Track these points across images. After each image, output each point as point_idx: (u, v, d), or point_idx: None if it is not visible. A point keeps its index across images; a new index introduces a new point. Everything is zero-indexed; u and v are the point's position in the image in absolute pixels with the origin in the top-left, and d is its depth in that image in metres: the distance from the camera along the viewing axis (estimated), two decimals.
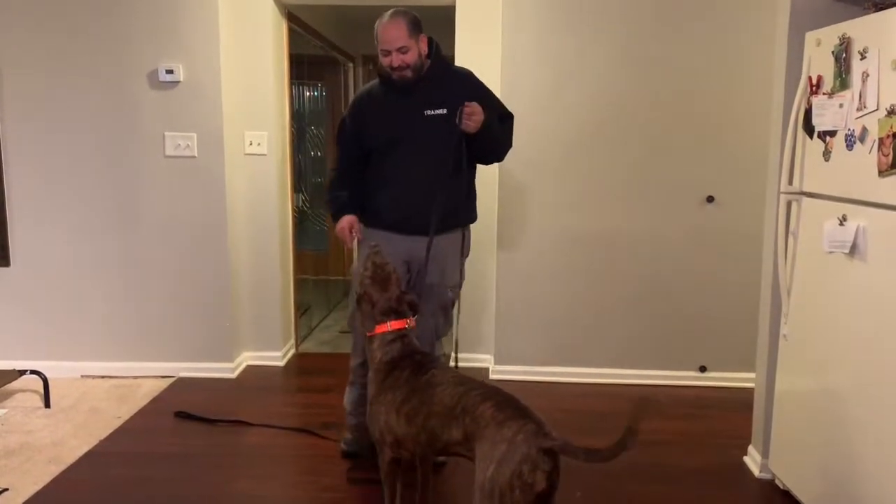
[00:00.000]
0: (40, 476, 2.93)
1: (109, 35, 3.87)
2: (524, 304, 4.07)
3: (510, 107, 3.17)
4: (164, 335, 4.11)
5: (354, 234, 2.96)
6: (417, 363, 2.33)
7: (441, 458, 2.86)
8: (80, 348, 4.11)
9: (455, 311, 3.17)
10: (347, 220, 2.98)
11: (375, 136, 2.96)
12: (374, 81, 3.03)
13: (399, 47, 2.78)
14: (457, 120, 2.79)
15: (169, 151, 3.95)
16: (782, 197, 2.70)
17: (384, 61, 2.85)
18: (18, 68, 3.91)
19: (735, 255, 3.90)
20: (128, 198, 4.01)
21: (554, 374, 4.09)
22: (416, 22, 2.83)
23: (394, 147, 2.92)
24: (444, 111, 2.85)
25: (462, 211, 3.02)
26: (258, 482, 2.92)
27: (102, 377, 4.09)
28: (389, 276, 2.43)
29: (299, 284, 4.84)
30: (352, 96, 6.72)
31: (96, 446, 3.22)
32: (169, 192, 3.99)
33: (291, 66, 4.53)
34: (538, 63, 3.90)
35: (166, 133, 3.94)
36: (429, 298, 2.94)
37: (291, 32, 4.50)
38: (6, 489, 2.82)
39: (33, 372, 3.70)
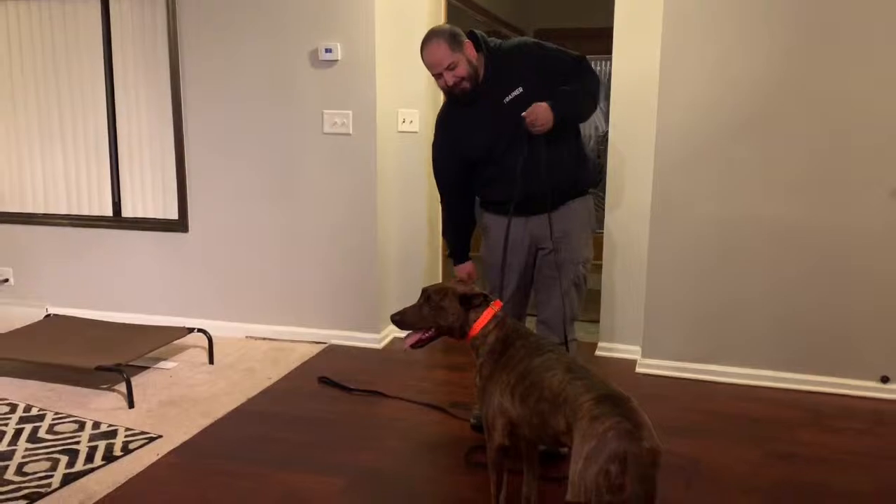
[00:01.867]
0: (192, 427, 3.19)
1: (275, 16, 4.07)
2: (677, 294, 3.79)
3: (670, 71, 2.92)
4: (318, 303, 4.32)
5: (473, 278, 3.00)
6: (533, 345, 2.27)
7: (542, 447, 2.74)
8: (246, 311, 4.42)
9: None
10: (465, 270, 3.08)
11: (474, 151, 2.92)
12: (445, 102, 3.03)
13: (447, 66, 2.75)
14: (523, 129, 2.73)
15: (327, 129, 4.11)
16: None
17: (439, 84, 2.84)
18: (196, 53, 4.23)
19: None
20: (289, 172, 4.22)
21: (706, 371, 3.78)
22: (454, 35, 2.78)
23: (493, 150, 2.88)
24: (521, 90, 2.79)
25: (576, 178, 2.93)
26: (381, 454, 2.98)
27: (264, 339, 4.38)
28: (445, 294, 2.38)
29: (449, 261, 4.86)
30: None
31: (244, 404, 3.45)
32: (326, 167, 4.16)
33: None
34: (704, 30, 3.56)
35: (324, 111, 4.09)
36: (562, 275, 2.88)
37: (452, 8, 4.49)
38: (160, 436, 3.09)
39: (200, 330, 4.03)
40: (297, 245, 4.28)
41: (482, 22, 5.37)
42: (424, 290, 2.44)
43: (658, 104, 3.68)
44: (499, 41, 2.95)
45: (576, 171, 2.93)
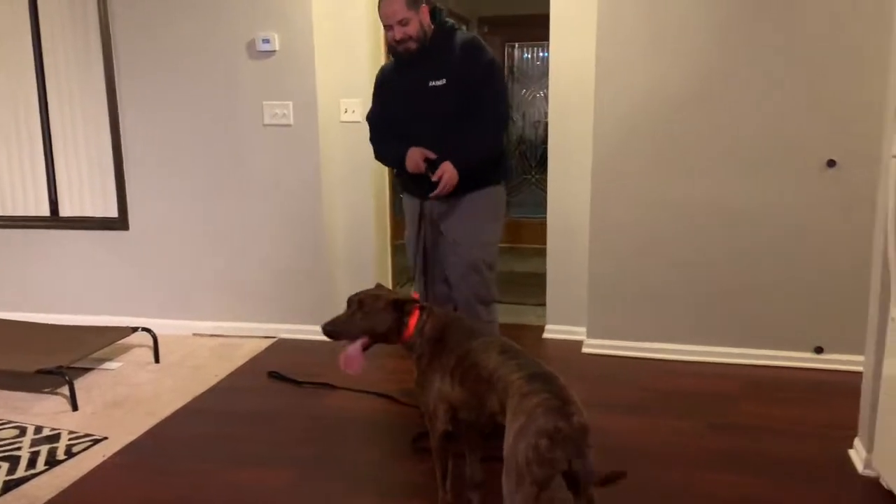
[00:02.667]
0: (137, 427, 3.15)
1: (210, 7, 4.00)
2: (620, 275, 3.87)
3: (606, 55, 3.11)
4: (266, 297, 4.28)
5: (428, 157, 2.94)
6: (468, 329, 2.33)
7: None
8: (191, 308, 4.36)
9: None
10: (414, 150, 2.93)
11: (394, 112, 3.05)
12: (386, 64, 3.15)
13: (399, 20, 2.82)
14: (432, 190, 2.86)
15: (267, 120, 4.06)
16: (893, 161, 2.37)
17: (388, 36, 2.92)
18: (130, 45, 4.14)
19: (858, 224, 3.49)
20: (231, 165, 4.17)
21: (651, 349, 3.87)
22: None
23: (409, 119, 2.99)
24: (444, 81, 2.88)
25: (480, 171, 2.96)
26: (330, 445, 2.98)
27: (211, 336, 4.33)
28: (378, 300, 2.38)
29: (398, 251, 4.87)
30: None
31: (191, 402, 3.41)
32: (268, 160, 4.12)
33: None
34: (638, 15, 3.62)
35: (264, 102, 4.04)
36: (455, 260, 3.01)
37: None
38: (106, 437, 3.05)
39: (144, 329, 3.96)
40: (242, 239, 4.23)
41: None
42: (353, 298, 2.41)
43: (595, 89, 3.73)
44: (455, 26, 3.02)
45: (483, 166, 2.98)
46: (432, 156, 2.92)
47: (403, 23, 2.83)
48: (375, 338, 2.41)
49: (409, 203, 3.13)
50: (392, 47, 2.95)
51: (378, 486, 2.71)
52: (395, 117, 3.05)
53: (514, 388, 1.94)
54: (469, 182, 2.91)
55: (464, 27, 6.47)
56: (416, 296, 2.50)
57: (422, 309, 2.39)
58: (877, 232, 2.64)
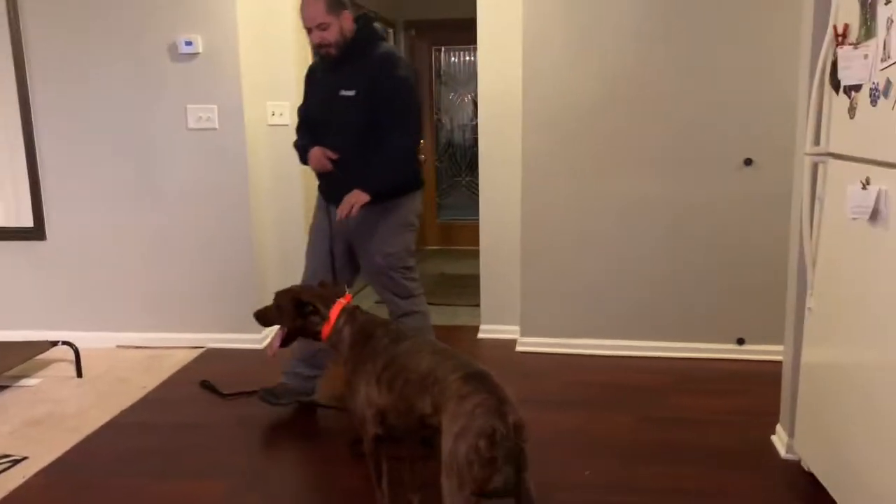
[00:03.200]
0: (60, 445, 3.02)
1: (128, 7, 3.88)
2: (551, 274, 3.94)
3: (532, 59, 3.27)
4: (194, 306, 4.17)
5: (328, 157, 2.97)
6: (394, 332, 2.31)
7: None
8: (115, 319, 4.21)
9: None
10: (316, 149, 2.97)
11: (312, 113, 3.06)
12: (315, 60, 3.15)
13: (318, 24, 2.80)
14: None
15: (191, 124, 3.96)
16: (807, 159, 2.48)
17: (309, 39, 2.90)
18: (44, 46, 3.97)
19: (776, 220, 3.64)
20: (154, 171, 4.05)
21: (582, 346, 3.95)
22: (338, 0, 2.84)
23: (321, 124, 2.99)
24: (354, 92, 2.86)
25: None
26: (262, 455, 2.94)
27: (136, 347, 4.19)
28: (286, 296, 2.47)
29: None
30: None
31: (117, 416, 3.29)
32: (193, 165, 4.01)
33: None
34: (563, 18, 3.70)
35: (188, 105, 3.94)
36: (364, 265, 3.08)
37: None
38: (26, 457, 2.91)
39: (65, 343, 3.80)
40: (168, 246, 4.11)
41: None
42: (277, 292, 2.51)
43: (522, 92, 3.79)
44: (381, 37, 3.00)
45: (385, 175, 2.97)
46: (332, 155, 2.93)
47: (322, 27, 2.81)
48: (294, 332, 2.46)
49: (321, 204, 3.14)
50: (314, 49, 2.94)
51: (315, 493, 2.67)
52: (313, 117, 3.05)
53: (452, 389, 1.94)
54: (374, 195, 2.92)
55: (391, 33, 6.48)
56: (348, 297, 2.47)
57: (342, 311, 2.38)
58: (792, 227, 2.76)
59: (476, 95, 4.16)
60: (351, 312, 2.39)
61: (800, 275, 2.65)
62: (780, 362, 2.93)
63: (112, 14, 3.90)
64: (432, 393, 2.01)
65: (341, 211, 2.87)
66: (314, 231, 3.17)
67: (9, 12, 3.94)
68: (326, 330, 2.38)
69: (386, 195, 2.95)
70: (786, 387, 2.83)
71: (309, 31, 2.85)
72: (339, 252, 3.08)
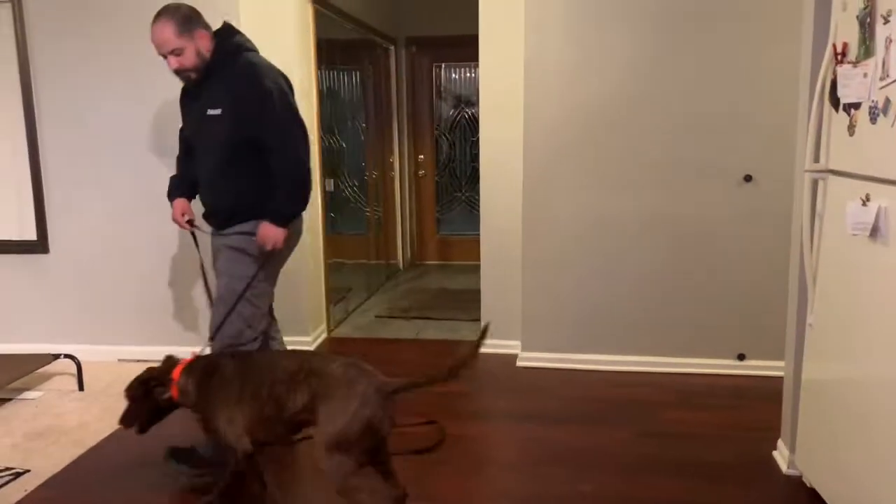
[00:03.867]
0: (62, 458, 3.02)
1: (132, 23, 3.90)
2: (553, 288, 3.95)
3: (534, 75, 3.23)
4: (195, 319, 4.18)
5: (187, 216, 2.92)
6: (240, 354, 2.45)
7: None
8: (116, 333, 4.22)
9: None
10: (177, 204, 2.91)
11: (184, 134, 2.95)
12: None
13: (171, 50, 2.62)
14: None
15: None
16: (807, 175, 2.51)
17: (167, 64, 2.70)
18: (49, 59, 4.01)
19: (776, 236, 3.67)
20: (154, 185, 4.00)
21: (584, 361, 3.96)
22: (187, 18, 2.63)
23: (194, 146, 2.86)
24: (220, 111, 2.67)
25: (242, 205, 2.77)
26: (268, 469, 2.92)
27: (138, 361, 4.18)
28: (135, 381, 2.54)
29: (334, 268, 4.85)
30: (394, 80, 6.68)
31: (118, 430, 3.26)
32: None
33: (320, 51, 4.51)
34: (564, 35, 3.75)
35: None
36: (219, 287, 2.87)
37: (320, 16, 4.47)
38: (28, 470, 2.91)
39: (67, 356, 3.81)
40: (170, 260, 4.12)
41: (351, 29, 5.37)
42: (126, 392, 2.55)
43: (524, 108, 3.82)
44: (246, 45, 2.78)
45: (244, 199, 2.77)
46: (192, 217, 2.92)
47: (176, 52, 2.62)
48: (152, 412, 2.54)
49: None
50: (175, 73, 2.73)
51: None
52: (187, 140, 2.91)
53: (336, 376, 2.21)
54: (232, 216, 2.78)
55: (392, 50, 6.53)
56: (190, 359, 2.52)
57: (184, 369, 2.47)
58: (793, 243, 2.78)
59: (476, 111, 4.18)
60: (190, 365, 2.48)
61: (800, 291, 2.67)
62: (780, 378, 2.94)
63: (116, 28, 3.94)
64: (310, 384, 2.23)
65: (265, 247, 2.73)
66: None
67: (14, 23, 3.97)
68: (175, 392, 2.46)
69: (239, 215, 2.77)
70: (787, 402, 2.84)
71: (164, 56, 2.66)
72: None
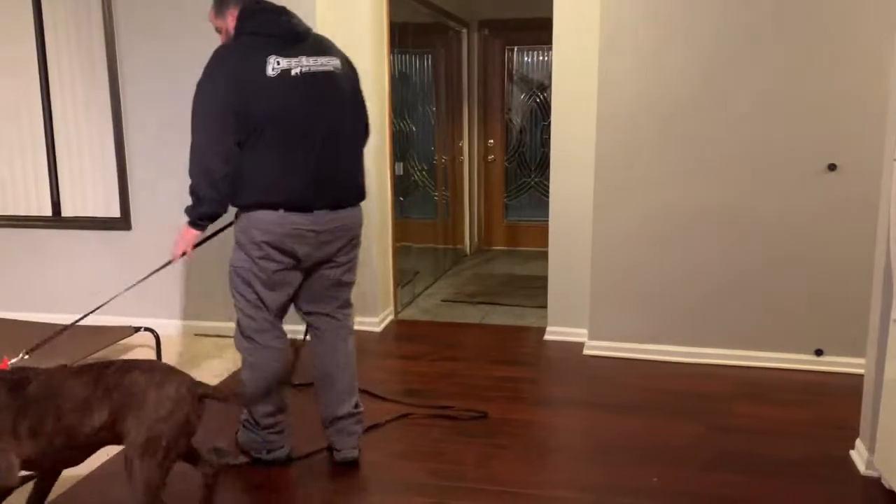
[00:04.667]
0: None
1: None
2: (623, 277, 3.89)
3: (609, 59, 3.29)
4: None
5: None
6: (13, 381, 2.10)
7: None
8: (194, 309, 4.37)
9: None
10: None
11: None
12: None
13: (216, 29, 2.65)
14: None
15: None
16: (895, 165, 2.39)
17: None
18: (135, 47, 4.16)
19: (859, 228, 3.54)
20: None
21: (653, 352, 3.90)
22: (221, 2, 2.61)
23: None
24: None
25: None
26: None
27: (216, 336, 4.33)
28: None
29: (401, 252, 4.89)
30: (466, 64, 6.67)
31: None
32: None
33: (393, 35, 4.53)
34: (643, 15, 3.66)
35: None
36: None
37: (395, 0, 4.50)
38: None
39: (147, 329, 3.96)
40: None
41: (424, 13, 5.38)
42: None
43: (598, 93, 3.76)
44: (249, 34, 2.57)
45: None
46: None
47: (218, 32, 2.65)
48: None
49: None
50: None
51: (381, 487, 2.71)
52: None
53: (140, 384, 2.11)
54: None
55: (465, 33, 6.50)
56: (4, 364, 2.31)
57: None
58: (878, 234, 2.66)
59: (548, 96, 4.13)
60: None
61: (885, 285, 2.56)
62: (860, 375, 2.83)
63: (198, 13, 4.04)
64: (111, 400, 2.09)
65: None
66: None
67: (104, 16, 4.14)
68: None
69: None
70: (867, 400, 2.73)
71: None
72: None
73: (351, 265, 2.83)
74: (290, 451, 2.86)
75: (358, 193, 2.74)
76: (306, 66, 2.56)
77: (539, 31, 4.72)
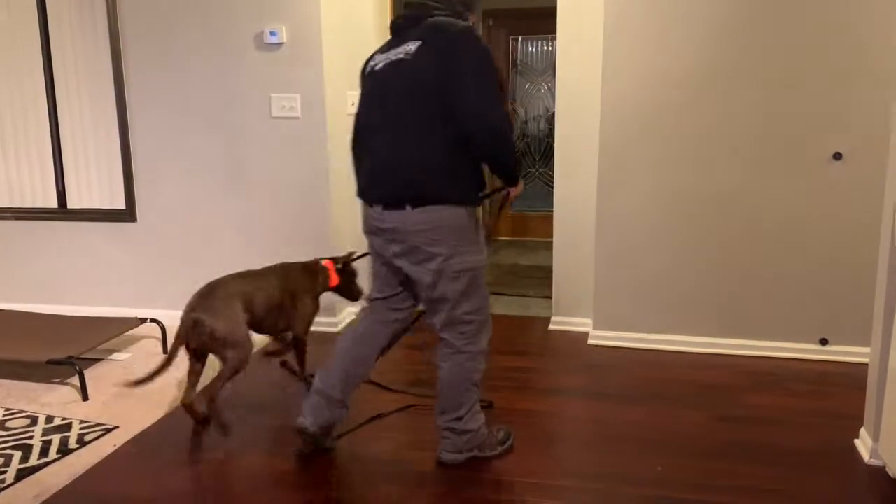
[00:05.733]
0: (147, 417, 3.17)
1: (218, 6, 4.02)
2: (626, 267, 3.89)
3: (613, 49, 3.41)
4: None
5: None
6: None
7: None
8: None
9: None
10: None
11: None
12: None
13: None
14: None
15: (275, 112, 4.08)
16: None
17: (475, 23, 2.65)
18: (139, 39, 4.17)
19: (864, 216, 3.52)
20: (238, 158, 4.19)
21: (657, 341, 3.90)
22: None
23: None
24: None
25: None
26: (340, 434, 3.00)
27: None
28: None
29: None
30: None
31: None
32: (275, 152, 4.14)
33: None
34: (645, 6, 3.64)
35: (272, 94, 4.06)
36: None
37: None
38: (117, 427, 3.07)
39: (153, 320, 3.99)
40: (250, 231, 4.26)
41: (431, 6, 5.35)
42: None
43: (602, 83, 3.75)
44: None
45: None
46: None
47: None
48: None
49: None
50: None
51: (389, 478, 2.73)
52: None
53: None
54: None
55: None
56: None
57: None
58: (884, 223, 2.65)
59: (553, 85, 4.12)
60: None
61: (890, 274, 2.55)
62: (865, 364, 2.83)
63: (202, 7, 4.05)
64: None
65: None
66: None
67: (108, 7, 4.14)
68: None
69: None
70: (871, 390, 2.73)
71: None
72: None
73: (419, 279, 2.55)
74: None
75: (413, 195, 2.44)
76: (385, 59, 2.50)
77: (544, 21, 4.70)
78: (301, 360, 3.44)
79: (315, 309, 3.41)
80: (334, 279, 3.39)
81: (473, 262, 2.55)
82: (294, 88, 4.03)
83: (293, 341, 3.41)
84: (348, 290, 3.49)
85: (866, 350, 3.47)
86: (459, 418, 2.67)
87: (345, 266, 3.45)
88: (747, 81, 3.58)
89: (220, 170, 4.22)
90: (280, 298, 3.22)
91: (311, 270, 3.39)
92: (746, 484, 2.59)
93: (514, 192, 2.79)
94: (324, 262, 3.42)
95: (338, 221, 4.25)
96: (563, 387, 3.54)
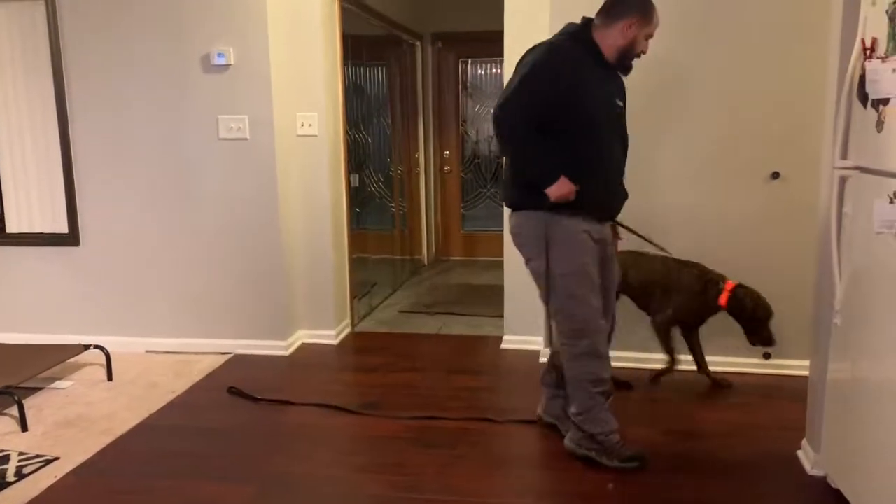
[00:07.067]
0: (91, 446, 3.08)
1: (164, 21, 3.98)
2: None
3: None
4: (222, 313, 4.24)
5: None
6: None
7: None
8: (145, 324, 4.29)
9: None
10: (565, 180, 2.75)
11: (588, 108, 2.74)
12: (569, 44, 2.81)
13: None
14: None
15: (222, 134, 4.04)
16: (835, 172, 2.48)
17: (642, 47, 2.86)
18: (82, 57, 4.09)
19: (803, 234, 3.62)
20: (186, 180, 4.13)
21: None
22: None
23: (598, 128, 2.78)
24: (623, 104, 2.94)
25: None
26: (291, 460, 2.96)
27: (166, 353, 4.26)
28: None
29: (360, 264, 4.88)
30: (420, 76, 6.69)
31: (147, 419, 3.35)
32: (224, 174, 4.09)
33: (346, 47, 4.54)
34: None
35: (219, 116, 4.03)
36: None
37: (346, 12, 4.50)
38: (57, 458, 2.98)
39: (97, 347, 3.88)
40: (198, 254, 4.19)
41: (377, 25, 5.39)
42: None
43: None
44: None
45: None
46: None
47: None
48: None
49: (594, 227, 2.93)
50: (624, 55, 2.85)
51: (342, 501, 2.70)
52: (599, 122, 2.83)
53: None
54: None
55: (419, 46, 6.52)
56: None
57: None
58: (819, 240, 2.75)
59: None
60: None
61: (826, 289, 2.64)
62: (806, 377, 2.91)
63: (148, 27, 4.00)
64: None
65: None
66: (590, 263, 2.89)
67: (48, 23, 4.06)
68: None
69: None
70: (812, 402, 2.81)
71: (647, 38, 2.87)
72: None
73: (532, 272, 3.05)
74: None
75: (507, 196, 2.99)
76: None
77: (492, 44, 4.76)
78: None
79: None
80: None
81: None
82: (242, 110, 4.00)
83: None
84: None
85: (807, 363, 3.60)
86: (578, 414, 2.88)
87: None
88: (686, 102, 3.69)
89: (168, 192, 4.15)
90: None
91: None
92: (693, 497, 2.64)
93: (550, 194, 2.79)
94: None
95: (288, 242, 4.21)
96: (515, 405, 3.55)
